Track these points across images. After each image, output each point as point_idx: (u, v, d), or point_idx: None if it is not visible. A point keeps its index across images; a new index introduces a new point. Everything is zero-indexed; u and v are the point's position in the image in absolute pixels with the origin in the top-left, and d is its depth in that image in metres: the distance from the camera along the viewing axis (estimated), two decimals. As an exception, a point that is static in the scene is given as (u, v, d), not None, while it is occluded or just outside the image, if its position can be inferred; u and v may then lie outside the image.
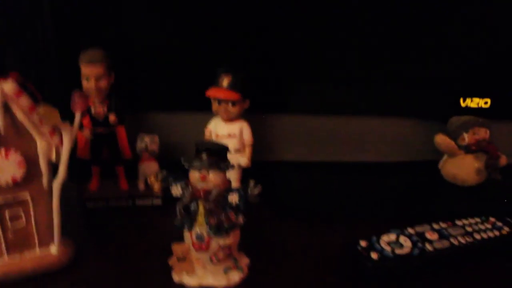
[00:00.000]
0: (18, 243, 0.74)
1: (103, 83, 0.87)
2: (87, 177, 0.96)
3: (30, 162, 0.70)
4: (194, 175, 0.70)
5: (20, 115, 0.67)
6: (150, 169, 0.94)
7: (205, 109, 0.95)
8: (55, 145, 0.71)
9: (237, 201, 0.71)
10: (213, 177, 0.70)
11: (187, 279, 0.74)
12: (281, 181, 0.74)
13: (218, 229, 0.71)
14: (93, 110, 0.89)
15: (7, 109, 0.66)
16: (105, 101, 0.90)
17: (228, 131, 0.91)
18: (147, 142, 0.92)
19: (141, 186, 0.95)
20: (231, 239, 0.73)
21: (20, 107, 0.67)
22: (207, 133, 0.95)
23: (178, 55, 1.01)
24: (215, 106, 0.91)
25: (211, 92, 0.89)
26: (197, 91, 0.96)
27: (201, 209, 0.72)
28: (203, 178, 0.70)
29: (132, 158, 0.95)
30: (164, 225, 0.90)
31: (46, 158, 0.70)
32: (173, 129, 1.07)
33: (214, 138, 0.93)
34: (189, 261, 0.75)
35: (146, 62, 1.02)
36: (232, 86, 0.87)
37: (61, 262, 0.76)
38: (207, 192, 0.70)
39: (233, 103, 0.89)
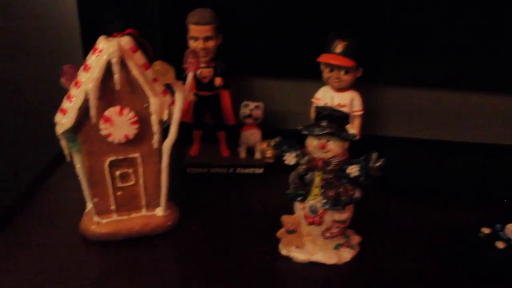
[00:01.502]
0: (126, 203, 0.71)
1: (211, 44, 0.82)
2: (188, 141, 0.92)
3: (142, 120, 0.66)
4: (312, 143, 0.64)
5: (135, 72, 0.63)
6: (253, 136, 0.89)
7: (312, 77, 0.87)
8: (168, 104, 0.66)
9: (357, 174, 0.64)
10: (333, 146, 0.63)
11: (295, 253, 0.69)
12: (389, 158, 0.66)
13: (336, 203, 0.65)
14: (198, 72, 0.84)
15: (123, 65, 0.62)
16: (211, 63, 0.84)
17: (338, 100, 0.84)
18: (252, 108, 0.86)
19: (243, 153, 0.90)
20: (347, 214, 0.66)
21: (136, 63, 0.63)
22: (314, 102, 0.87)
23: (287, 19, 0.94)
24: (326, 73, 0.83)
25: (324, 58, 0.81)
26: (304, 58, 0.89)
27: (317, 180, 0.66)
28: (322, 147, 0.63)
29: (234, 124, 0.90)
30: (266, 194, 0.85)
31: (158, 117, 0.66)
32: (277, 97, 1.00)
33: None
34: (299, 234, 0.69)
35: (254, 25, 0.96)
36: (347, 53, 0.80)
37: (166, 225, 0.73)
38: (326, 162, 0.64)
39: (346, 71, 0.81)
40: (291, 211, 0.70)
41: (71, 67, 0.66)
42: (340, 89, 0.84)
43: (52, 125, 0.66)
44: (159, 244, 0.72)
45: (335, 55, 0.80)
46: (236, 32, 0.92)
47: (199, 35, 0.81)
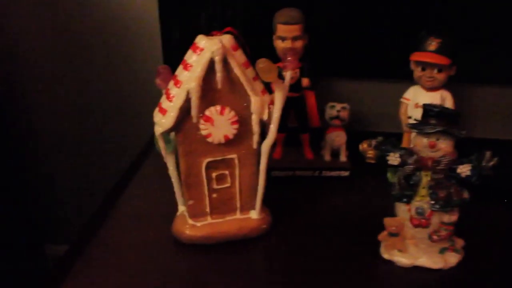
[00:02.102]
0: (221, 205, 0.69)
1: (299, 44, 0.80)
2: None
3: (242, 120, 0.64)
4: (422, 142, 0.60)
5: (237, 70, 0.61)
6: (338, 138, 0.85)
7: (397, 78, 0.84)
8: (267, 103, 0.64)
9: (469, 174, 0.60)
10: (443, 145, 0.60)
11: (398, 257, 0.66)
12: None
13: (447, 204, 0.61)
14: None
15: (225, 64, 0.60)
16: (298, 64, 0.82)
17: (430, 100, 0.79)
18: (339, 109, 0.83)
19: (327, 156, 0.87)
20: (456, 216, 0.62)
21: (237, 61, 0.61)
22: (403, 103, 0.84)
23: (372, 18, 0.91)
24: (417, 72, 0.79)
25: (417, 57, 0.77)
26: (389, 58, 0.86)
27: (424, 180, 0.62)
28: (432, 146, 0.60)
29: (319, 126, 0.87)
30: (355, 197, 0.82)
31: (259, 117, 0.63)
32: (362, 98, 0.97)
33: (413, 108, 0.82)
34: (402, 237, 0.66)
35: (339, 24, 0.93)
36: (442, 50, 0.75)
37: (261, 228, 0.70)
38: (436, 161, 0.60)
39: (440, 69, 0.77)
40: (383, 214, 0.66)
41: (165, 68, 0.65)
42: (432, 89, 0.80)
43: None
44: (253, 247, 0.69)
45: (429, 53, 0.76)
46: (322, 31, 0.90)
47: (287, 35, 0.78)
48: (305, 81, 0.82)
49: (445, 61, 0.76)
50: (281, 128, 0.85)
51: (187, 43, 0.62)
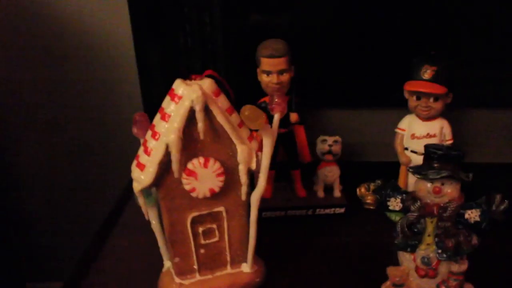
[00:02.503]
0: (209, 261, 0.63)
1: (285, 78, 0.74)
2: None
3: (228, 171, 0.58)
4: (425, 187, 0.55)
5: (220, 118, 0.55)
6: (331, 174, 0.80)
7: (392, 105, 0.79)
8: (255, 150, 0.58)
9: (478, 219, 0.55)
10: (449, 190, 0.55)
11: (404, 310, 0.60)
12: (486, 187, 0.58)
13: (456, 253, 0.55)
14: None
15: (206, 112, 0.54)
16: (285, 97, 0.76)
17: (427, 130, 0.75)
18: (331, 144, 0.78)
19: (321, 193, 0.82)
20: (466, 265, 0.57)
21: (220, 108, 0.55)
22: (398, 133, 0.78)
23: (361, 46, 0.86)
24: (412, 102, 0.74)
25: (412, 86, 0.72)
26: (381, 86, 0.81)
27: (429, 227, 0.57)
28: (437, 191, 0.54)
29: (310, 161, 0.81)
30: (352, 237, 0.76)
31: (247, 167, 0.57)
32: (355, 128, 0.92)
33: (409, 139, 0.76)
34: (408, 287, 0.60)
35: (328, 53, 0.87)
36: (438, 79, 0.71)
37: (255, 282, 0.65)
38: (442, 208, 0.55)
39: (436, 98, 0.72)
40: (385, 255, 0.61)
41: (142, 115, 0.59)
42: (428, 118, 0.75)
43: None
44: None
45: (424, 82, 0.71)
46: (309, 61, 0.84)
47: (272, 68, 0.73)
48: (294, 117, 0.76)
49: (441, 90, 0.71)
50: (271, 165, 0.80)
51: (167, 81, 0.56)
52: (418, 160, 0.73)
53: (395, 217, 0.75)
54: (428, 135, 0.75)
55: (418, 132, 0.75)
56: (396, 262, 0.61)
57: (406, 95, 0.75)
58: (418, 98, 0.74)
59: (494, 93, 0.88)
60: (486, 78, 0.87)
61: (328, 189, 0.82)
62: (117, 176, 0.99)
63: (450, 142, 0.76)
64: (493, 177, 0.82)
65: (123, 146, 0.95)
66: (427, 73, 0.71)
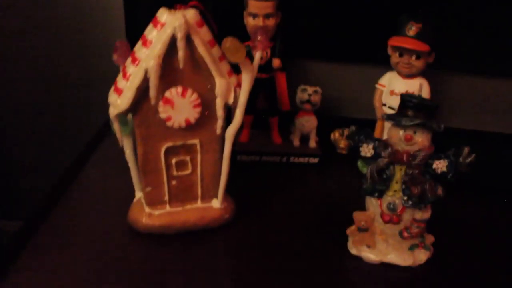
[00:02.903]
0: (180, 193, 0.64)
1: (271, 22, 0.74)
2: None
3: (205, 103, 0.58)
4: (398, 134, 0.56)
5: (201, 49, 0.54)
6: (308, 123, 0.81)
7: (374, 62, 0.79)
8: (233, 86, 0.58)
9: (445, 170, 0.56)
10: (420, 138, 0.56)
11: (367, 253, 0.62)
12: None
13: (420, 201, 0.57)
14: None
15: (188, 41, 0.54)
16: (269, 43, 0.76)
17: (406, 87, 0.75)
18: (311, 93, 0.78)
19: (296, 141, 0.82)
20: (429, 213, 0.59)
21: (202, 39, 0.55)
22: (378, 89, 0.79)
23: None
24: (394, 58, 0.75)
25: (395, 41, 0.73)
26: (367, 41, 0.81)
27: (398, 175, 0.58)
28: (408, 139, 0.55)
29: (288, 109, 0.82)
30: (323, 186, 0.78)
31: (224, 100, 0.58)
32: (335, 82, 0.92)
33: (388, 95, 0.77)
34: (371, 232, 0.62)
35: (316, 3, 0.86)
36: (422, 36, 0.71)
37: (223, 218, 0.66)
38: (412, 156, 0.56)
39: (418, 56, 0.73)
40: (353, 204, 0.62)
41: (123, 43, 0.58)
42: (408, 76, 0.75)
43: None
44: (213, 238, 0.64)
45: (408, 38, 0.71)
46: (296, 10, 0.83)
47: (259, 11, 0.72)
48: (276, 62, 0.76)
49: (424, 47, 0.71)
50: (249, 110, 0.79)
51: (151, 15, 0.56)
52: (394, 116, 0.74)
53: (366, 170, 0.77)
54: (407, 93, 0.75)
55: (397, 88, 0.76)
56: (363, 210, 0.62)
57: (389, 51, 0.76)
58: (401, 55, 0.74)
59: (476, 60, 0.89)
60: (471, 44, 0.88)
61: (304, 139, 0.83)
62: (95, 109, 0.99)
63: (427, 101, 0.77)
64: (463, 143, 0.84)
65: (104, 77, 0.93)
66: (412, 29, 0.71)
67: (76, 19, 0.99)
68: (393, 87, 0.77)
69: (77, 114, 1.08)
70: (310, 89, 0.79)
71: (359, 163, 0.80)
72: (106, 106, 0.58)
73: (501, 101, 0.93)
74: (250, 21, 0.74)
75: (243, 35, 0.75)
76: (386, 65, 0.78)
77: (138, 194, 0.66)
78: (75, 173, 0.77)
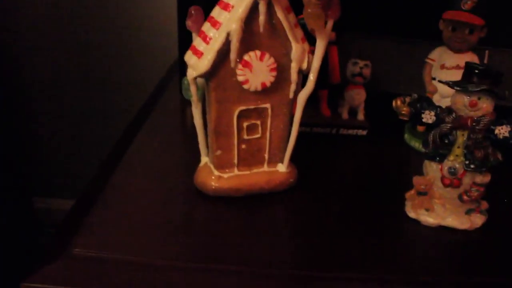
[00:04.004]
0: (248, 157, 0.69)
1: (328, -4, 0.78)
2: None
3: (280, 68, 0.63)
4: (462, 100, 0.61)
5: (280, 14, 0.59)
6: (358, 96, 0.86)
7: (425, 38, 0.84)
8: (307, 51, 0.63)
9: (507, 135, 0.61)
10: (484, 104, 0.61)
11: (425, 217, 0.67)
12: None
13: (482, 164, 0.62)
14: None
15: (268, 6, 0.59)
16: (340, 11, 0.80)
17: (457, 61, 0.80)
18: (362, 66, 0.83)
19: (345, 114, 0.88)
20: (489, 177, 0.64)
21: (280, 5, 0.60)
22: (428, 63, 0.84)
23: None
24: (447, 33, 0.80)
25: (451, 15, 0.78)
26: (418, 16, 0.85)
27: (460, 140, 0.63)
28: (473, 104, 0.60)
29: (339, 82, 0.87)
30: (373, 156, 0.84)
31: (298, 65, 0.63)
32: (385, 57, 0.97)
33: (438, 69, 0.83)
34: (429, 196, 0.67)
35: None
36: (477, 10, 0.76)
37: (289, 182, 0.71)
38: (476, 121, 0.61)
39: (471, 30, 0.78)
40: (402, 173, 0.68)
41: (197, 9, 0.63)
42: (460, 50, 0.81)
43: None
44: (279, 202, 0.69)
45: (463, 12, 0.77)
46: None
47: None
48: (332, 35, 0.81)
49: (479, 21, 0.76)
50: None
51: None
52: (444, 90, 0.80)
53: (414, 143, 0.83)
54: (458, 67, 0.80)
55: (448, 63, 0.81)
56: (412, 177, 0.67)
57: (442, 25, 0.81)
58: (454, 29, 0.79)
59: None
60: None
61: (353, 112, 0.88)
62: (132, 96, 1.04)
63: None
64: None
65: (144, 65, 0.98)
66: (467, 3, 0.76)
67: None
68: (444, 61, 0.82)
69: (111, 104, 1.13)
70: (361, 63, 0.84)
71: (406, 136, 0.86)
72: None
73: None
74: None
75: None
76: (437, 41, 0.83)
77: (204, 159, 0.71)
78: (130, 139, 0.82)
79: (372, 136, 0.87)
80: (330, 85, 0.88)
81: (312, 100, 0.87)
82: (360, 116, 0.88)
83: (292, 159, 0.72)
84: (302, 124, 0.84)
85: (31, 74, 1.15)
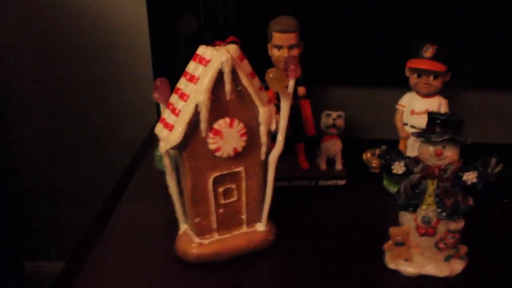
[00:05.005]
0: (227, 220, 0.72)
1: (295, 53, 0.83)
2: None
3: (250, 131, 0.66)
4: (428, 150, 0.65)
5: (245, 81, 0.63)
6: (334, 147, 0.90)
7: (393, 84, 0.89)
8: (274, 113, 0.67)
9: (475, 181, 0.65)
10: (449, 153, 0.64)
11: (404, 267, 0.69)
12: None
13: (454, 212, 0.65)
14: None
15: (232, 75, 0.63)
16: (300, 71, 0.85)
17: (426, 106, 0.85)
18: (335, 118, 0.87)
19: (323, 165, 0.91)
20: (463, 223, 0.67)
21: (244, 72, 0.64)
22: (399, 110, 0.89)
23: (368, 26, 0.96)
24: (413, 79, 0.85)
25: (414, 63, 0.83)
26: (385, 65, 0.90)
27: (430, 188, 0.66)
28: (439, 154, 0.64)
29: (314, 135, 0.91)
30: (353, 206, 0.86)
31: (267, 128, 0.66)
32: (357, 105, 1.02)
33: (409, 115, 0.87)
34: (407, 246, 0.70)
35: (335, 32, 0.97)
36: (438, 57, 0.81)
37: (269, 241, 0.73)
38: (442, 170, 0.65)
39: (435, 76, 0.83)
40: (384, 221, 0.71)
41: (163, 81, 0.66)
42: (427, 95, 0.85)
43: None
44: (261, 260, 0.72)
45: (426, 60, 0.82)
46: (317, 39, 0.94)
47: (283, 43, 0.82)
48: (301, 90, 0.86)
49: (441, 67, 0.81)
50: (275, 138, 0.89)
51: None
52: (417, 135, 0.84)
53: (393, 189, 0.86)
54: (427, 111, 0.84)
55: (417, 108, 0.86)
56: (393, 226, 0.70)
57: (407, 72, 0.86)
58: (419, 76, 0.84)
59: (487, 75, 1.00)
60: (481, 60, 0.98)
61: (330, 162, 0.92)
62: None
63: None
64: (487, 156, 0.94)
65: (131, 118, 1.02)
66: (428, 51, 0.81)
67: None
68: (413, 106, 0.86)
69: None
70: (334, 114, 0.88)
71: (385, 182, 0.89)
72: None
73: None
74: (275, 52, 0.84)
75: (268, 66, 0.86)
76: (404, 86, 0.87)
77: (183, 226, 0.73)
78: (112, 207, 0.85)
79: (351, 185, 0.90)
80: (306, 138, 0.91)
81: (290, 153, 0.92)
82: (338, 166, 0.91)
83: (273, 215, 0.75)
84: (281, 178, 0.89)
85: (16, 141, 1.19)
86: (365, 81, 1.01)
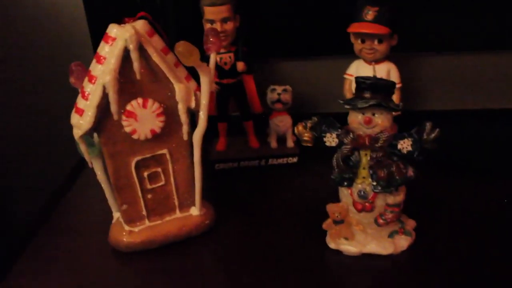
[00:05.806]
0: (157, 206, 0.69)
1: (229, 27, 0.80)
2: (213, 135, 0.90)
3: (168, 111, 0.64)
4: (356, 118, 0.61)
5: (155, 57, 0.60)
6: (283, 123, 0.86)
7: (339, 53, 0.85)
8: (193, 90, 0.64)
9: (410, 149, 0.60)
10: (380, 120, 0.60)
11: (345, 246, 0.66)
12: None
13: (389, 184, 0.61)
14: (218, 59, 0.81)
15: (141, 52, 0.60)
16: (231, 47, 0.82)
17: (373, 74, 0.81)
18: (280, 92, 0.84)
19: (274, 143, 0.88)
20: (401, 196, 0.63)
21: (155, 48, 0.61)
22: (347, 79, 0.85)
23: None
24: (357, 45, 0.81)
25: (354, 28, 0.78)
26: (328, 33, 0.86)
27: (364, 160, 0.63)
28: (368, 121, 0.60)
29: (261, 112, 0.88)
30: (304, 184, 0.83)
31: (186, 105, 0.63)
32: (304, 79, 0.98)
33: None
34: (347, 224, 0.66)
35: (274, 2, 0.93)
36: (380, 19, 0.77)
37: (204, 225, 0.71)
38: (373, 139, 0.61)
39: (380, 40, 0.79)
40: (336, 199, 0.67)
41: (78, 64, 0.64)
42: (374, 61, 0.81)
43: (67, 130, 0.64)
44: (198, 246, 0.70)
45: (366, 23, 0.77)
46: (254, 11, 0.90)
47: (215, 17, 0.79)
48: (240, 65, 0.82)
49: (384, 30, 0.77)
50: (222, 118, 0.87)
51: None
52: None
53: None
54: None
55: (365, 75, 0.81)
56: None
57: (352, 38, 0.82)
58: (363, 41, 0.80)
59: (442, 37, 0.95)
60: (434, 22, 0.94)
61: (282, 140, 0.89)
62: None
63: (397, 86, 0.82)
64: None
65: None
66: (369, 14, 0.77)
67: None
68: (361, 74, 0.81)
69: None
70: (279, 88, 0.85)
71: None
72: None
73: (472, 76, 1.00)
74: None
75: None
76: (351, 55, 0.84)
77: (116, 215, 0.71)
78: (55, 203, 0.83)
79: (304, 162, 0.87)
80: (253, 116, 0.88)
81: (240, 133, 0.89)
82: (289, 143, 0.88)
83: (219, 199, 0.73)
84: (229, 160, 0.86)
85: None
86: (311, 51, 0.97)
